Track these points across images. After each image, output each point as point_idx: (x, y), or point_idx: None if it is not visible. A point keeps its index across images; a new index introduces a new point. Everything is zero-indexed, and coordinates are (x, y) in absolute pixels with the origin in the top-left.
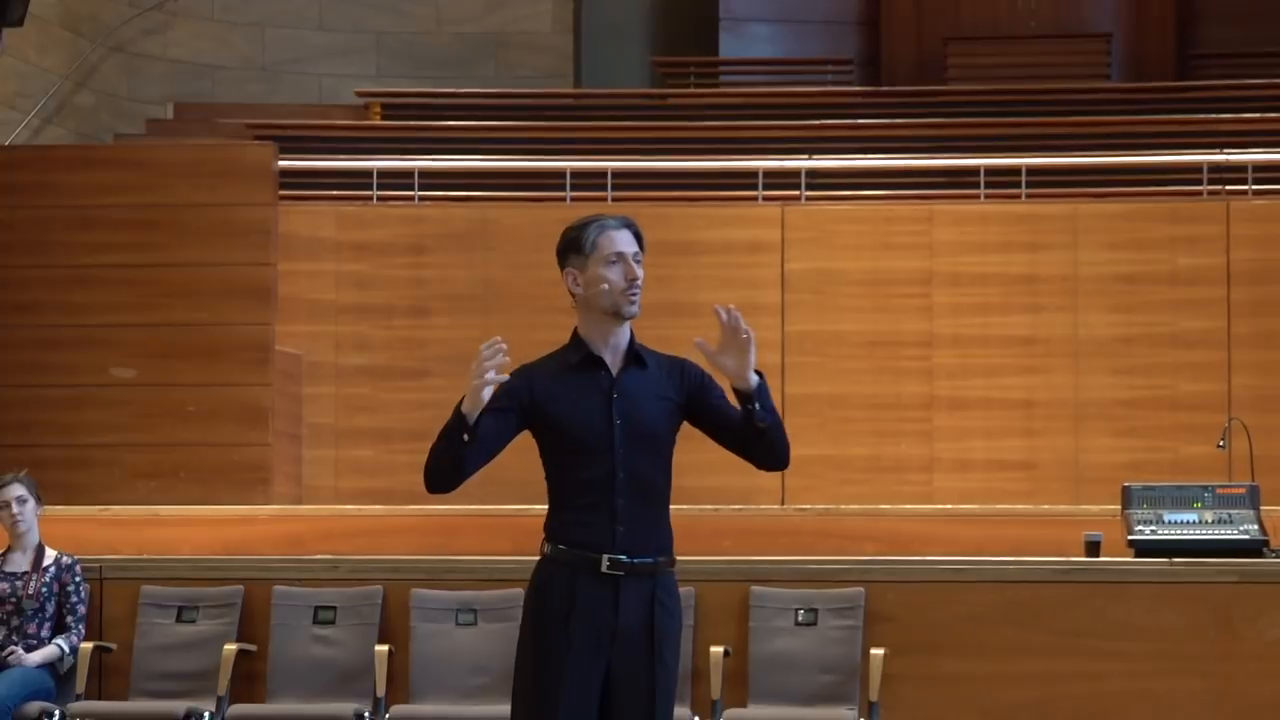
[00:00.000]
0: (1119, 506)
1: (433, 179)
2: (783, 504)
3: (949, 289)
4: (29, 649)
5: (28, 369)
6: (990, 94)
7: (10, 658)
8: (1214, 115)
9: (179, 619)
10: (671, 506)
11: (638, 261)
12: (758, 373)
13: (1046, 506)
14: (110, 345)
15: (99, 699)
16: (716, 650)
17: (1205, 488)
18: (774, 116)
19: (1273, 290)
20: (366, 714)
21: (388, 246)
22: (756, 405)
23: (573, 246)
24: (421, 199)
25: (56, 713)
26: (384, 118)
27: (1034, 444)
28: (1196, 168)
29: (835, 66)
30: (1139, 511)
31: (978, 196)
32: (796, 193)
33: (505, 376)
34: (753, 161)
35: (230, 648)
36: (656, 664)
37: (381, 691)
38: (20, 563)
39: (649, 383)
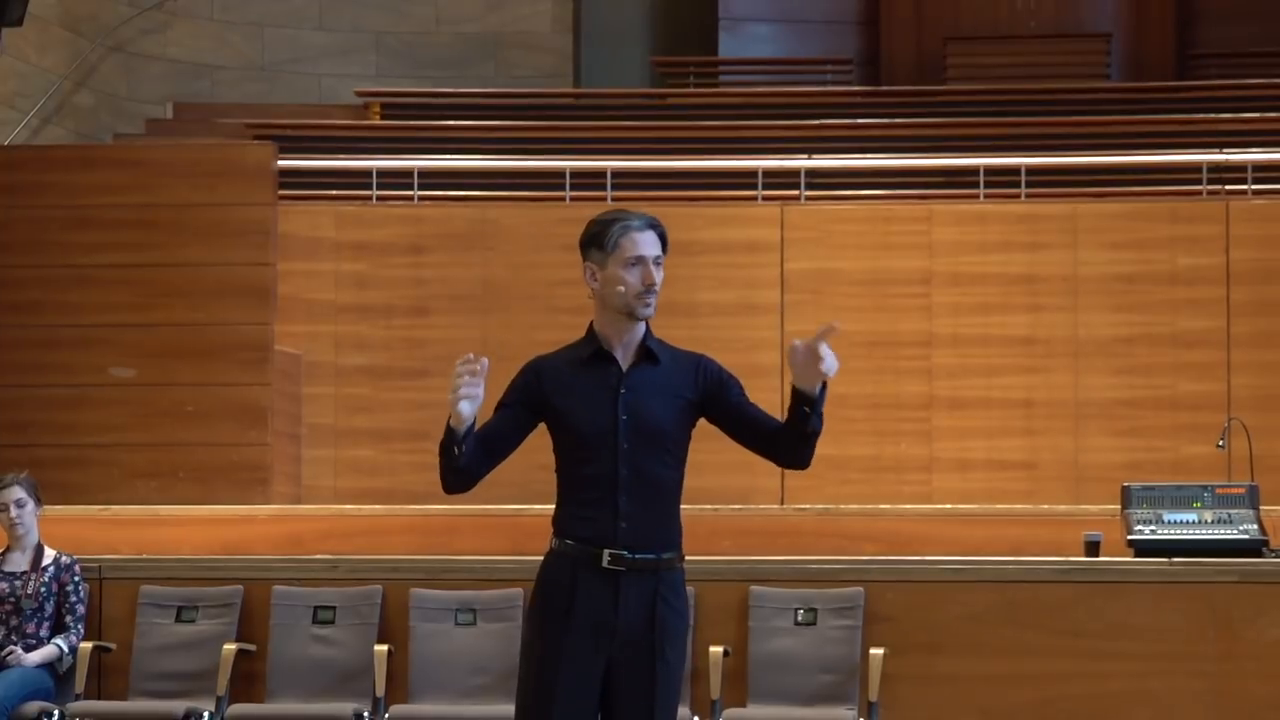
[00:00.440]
0: (1119, 506)
1: (432, 179)
2: (782, 504)
3: (949, 289)
4: (28, 649)
5: (27, 369)
6: (990, 94)
7: (9, 657)
8: (1213, 115)
9: (178, 619)
10: None
11: (658, 265)
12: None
13: (1046, 506)
14: (109, 345)
15: (98, 699)
16: (716, 650)
17: (1205, 488)
18: (773, 116)
19: (1273, 290)
20: (366, 714)
21: (387, 246)
22: (811, 410)
23: (595, 242)
24: (421, 199)
25: (56, 712)
26: (383, 117)
27: (1034, 444)
28: (1196, 167)
29: (835, 66)
30: (1139, 511)
31: (977, 196)
32: (796, 192)
33: (480, 392)
34: (752, 161)
35: (229, 648)
36: (658, 661)
37: (381, 691)
38: (19, 562)
39: (660, 379)
